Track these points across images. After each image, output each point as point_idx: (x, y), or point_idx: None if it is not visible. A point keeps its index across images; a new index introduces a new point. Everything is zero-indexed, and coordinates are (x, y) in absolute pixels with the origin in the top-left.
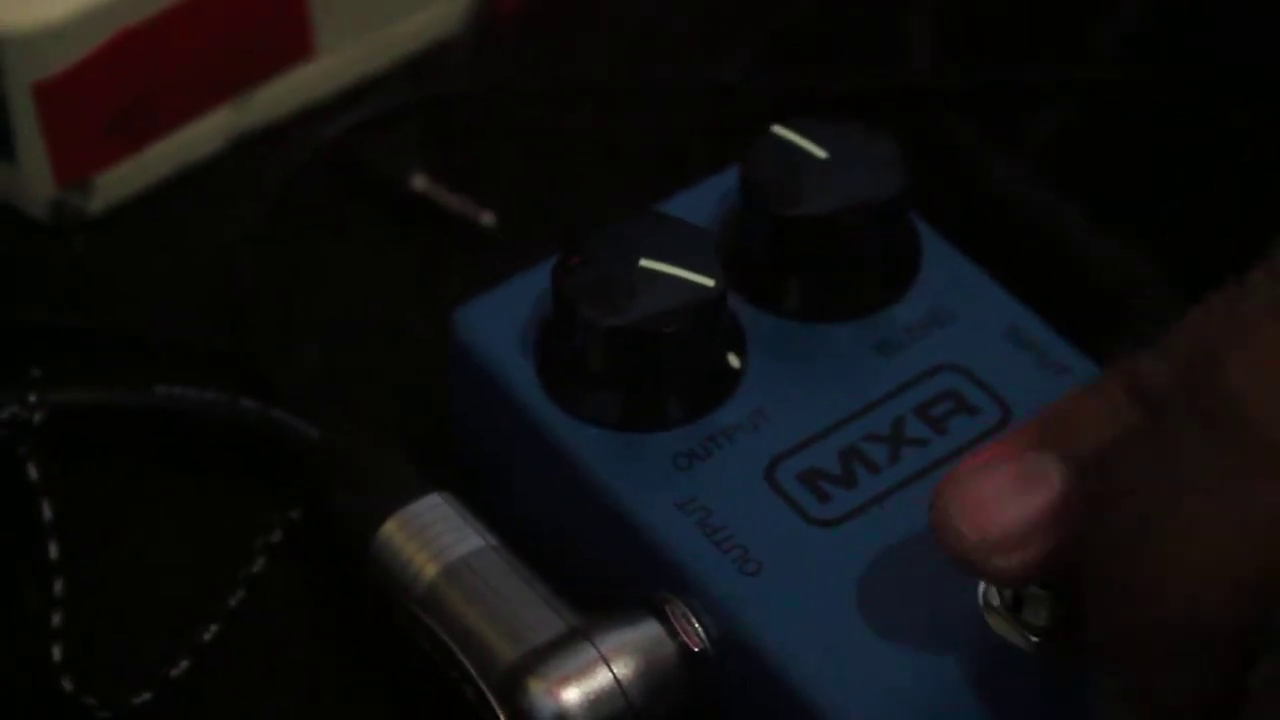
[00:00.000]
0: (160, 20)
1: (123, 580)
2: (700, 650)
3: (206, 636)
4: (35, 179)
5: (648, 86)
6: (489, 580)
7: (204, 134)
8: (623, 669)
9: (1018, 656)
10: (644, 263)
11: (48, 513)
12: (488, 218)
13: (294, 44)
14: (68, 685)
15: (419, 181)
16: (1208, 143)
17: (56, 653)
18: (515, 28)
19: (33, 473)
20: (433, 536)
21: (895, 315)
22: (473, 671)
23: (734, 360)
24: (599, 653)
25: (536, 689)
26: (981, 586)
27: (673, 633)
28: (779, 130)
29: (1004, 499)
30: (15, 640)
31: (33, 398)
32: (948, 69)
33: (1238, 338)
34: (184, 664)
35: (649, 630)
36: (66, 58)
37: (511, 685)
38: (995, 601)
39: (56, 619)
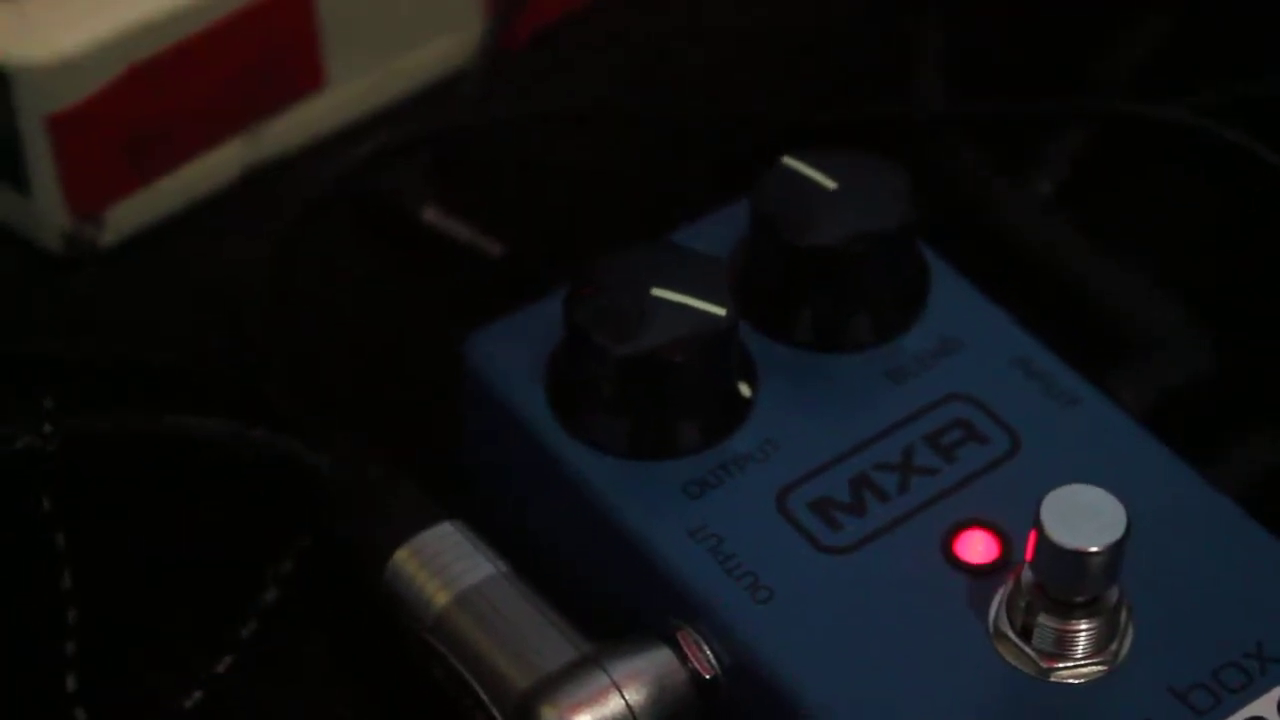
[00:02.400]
0: (173, 53)
1: (135, 611)
2: (711, 677)
3: (220, 668)
4: (48, 211)
5: (658, 118)
6: (501, 608)
7: (216, 166)
8: (635, 696)
9: (1028, 684)
10: (655, 292)
11: (61, 543)
12: (496, 248)
13: (305, 76)
14: (81, 716)
15: (429, 213)
16: (1219, 172)
17: (70, 683)
18: (526, 59)
19: (46, 503)
20: (444, 565)
21: (904, 345)
22: (485, 699)
23: (745, 389)
24: (611, 680)
25: (549, 716)
26: (991, 613)
27: (684, 660)
28: (789, 161)
29: None
30: (29, 671)
31: (46, 428)
32: (956, 99)
33: None
34: (197, 695)
35: (660, 657)
36: (80, 90)
37: (524, 712)
38: (1006, 629)
39: (70, 649)
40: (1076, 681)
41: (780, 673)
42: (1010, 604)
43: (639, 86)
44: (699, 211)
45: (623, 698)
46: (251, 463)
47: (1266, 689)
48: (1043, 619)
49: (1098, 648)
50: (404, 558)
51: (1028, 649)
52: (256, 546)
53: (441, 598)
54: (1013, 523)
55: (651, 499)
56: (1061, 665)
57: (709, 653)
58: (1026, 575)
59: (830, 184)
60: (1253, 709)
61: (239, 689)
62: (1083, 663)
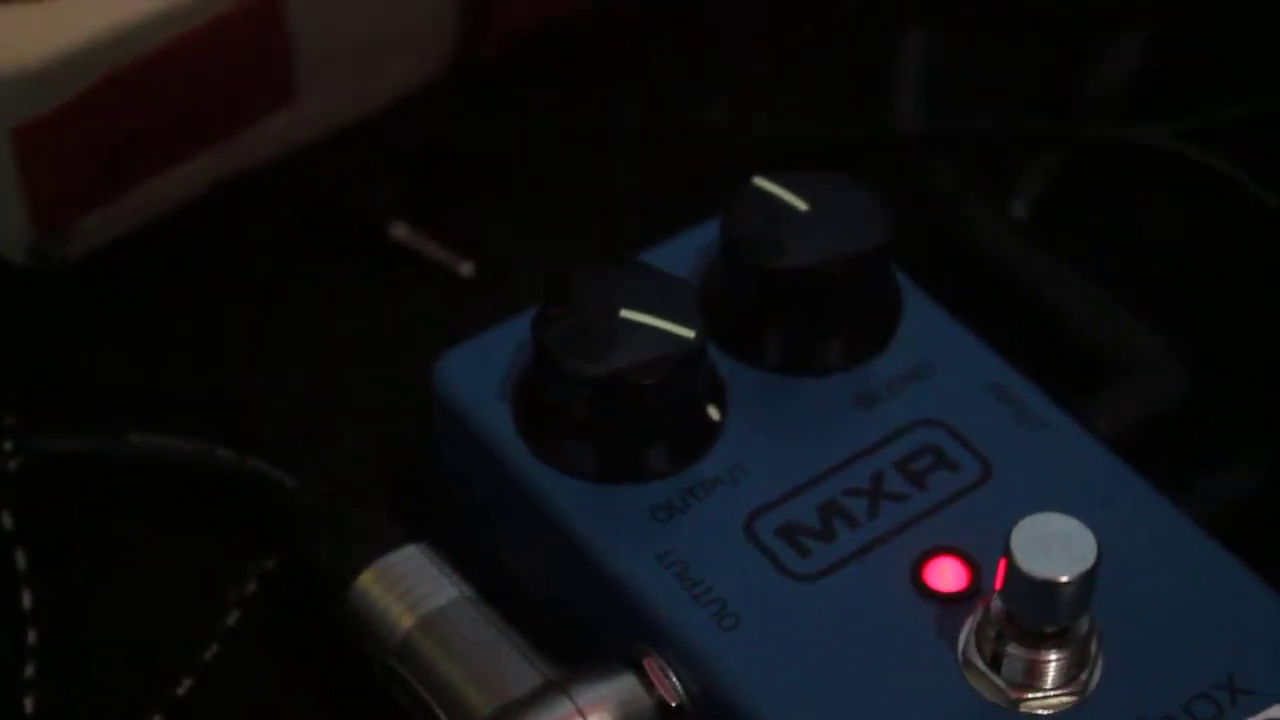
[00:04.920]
0: (142, 65)
1: (96, 632)
2: (678, 704)
3: (180, 690)
4: (13, 223)
5: (629, 135)
6: (465, 633)
7: (185, 179)
8: None
9: (997, 714)
10: (624, 313)
11: (21, 562)
12: (467, 267)
13: (276, 90)
14: None
15: (399, 230)
16: (1196, 196)
17: (28, 705)
18: (497, 76)
19: (7, 521)
20: (409, 588)
21: (876, 369)
22: None
23: (714, 412)
24: (575, 706)
25: None
26: (961, 642)
27: (650, 687)
28: (760, 182)
29: None
30: None
31: (8, 445)
32: (933, 121)
33: None
34: (158, 718)
35: (626, 684)
36: (47, 102)
37: None
38: (975, 659)
39: (29, 671)
40: (1046, 712)
41: (747, 701)
42: (980, 633)
43: (613, 104)
44: (670, 230)
45: None
46: (216, 483)
47: None
48: (1012, 648)
49: (1068, 678)
50: (369, 580)
51: (997, 679)
52: (220, 568)
53: (406, 621)
54: (983, 551)
55: (618, 523)
56: (1031, 695)
57: (675, 680)
58: (996, 604)
59: (802, 205)
60: None
61: (200, 712)
62: (1052, 693)
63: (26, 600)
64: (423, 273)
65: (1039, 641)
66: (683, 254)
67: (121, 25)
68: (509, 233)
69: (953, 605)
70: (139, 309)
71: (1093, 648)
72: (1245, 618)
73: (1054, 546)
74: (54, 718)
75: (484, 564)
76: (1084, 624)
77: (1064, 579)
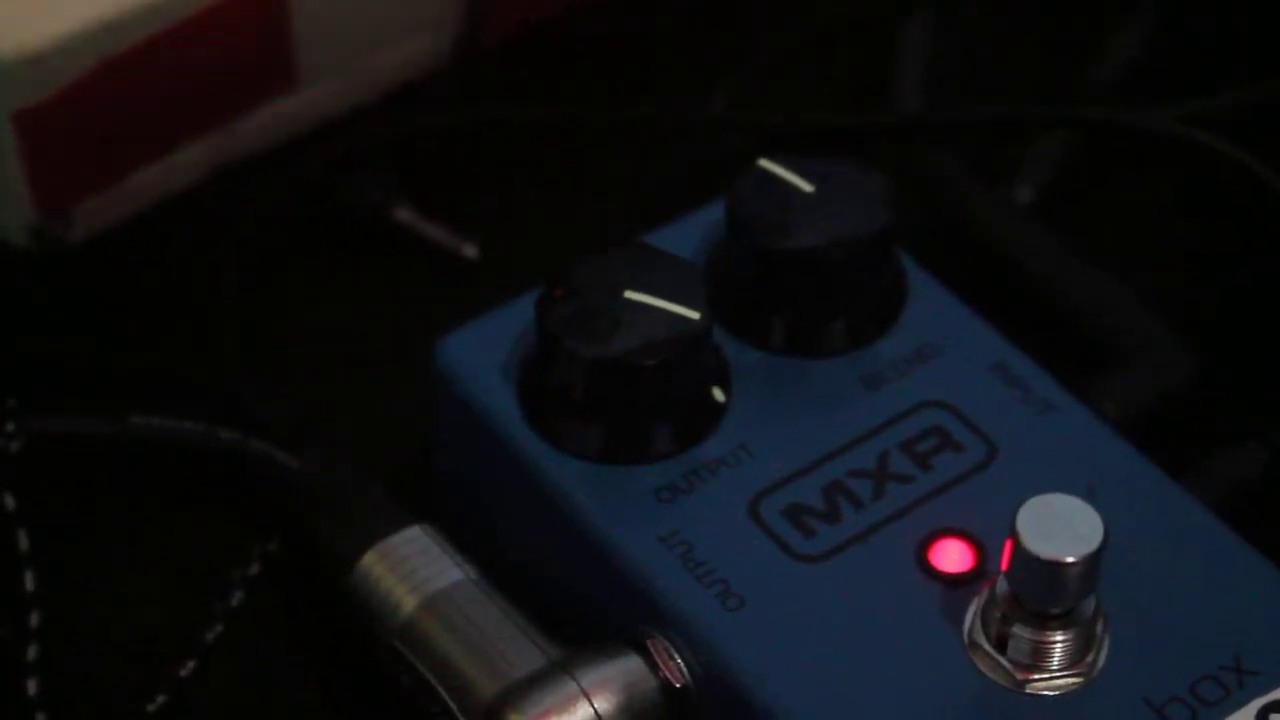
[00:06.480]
0: (143, 49)
1: (99, 613)
2: (682, 686)
3: (184, 671)
4: (14, 207)
5: (633, 119)
6: (469, 613)
7: (186, 164)
8: (603, 704)
9: (1003, 696)
10: (629, 295)
11: (24, 543)
12: (470, 249)
13: (277, 75)
14: None
15: (402, 213)
16: (1202, 179)
17: (31, 687)
18: (501, 59)
19: (9, 503)
20: (412, 569)
21: (881, 351)
22: (452, 706)
23: (718, 394)
24: (579, 687)
25: None
26: (966, 623)
27: (654, 668)
28: (766, 164)
29: None
30: None
31: (10, 427)
32: (937, 105)
33: None
34: (161, 699)
35: (630, 665)
36: (48, 86)
37: None
38: (980, 640)
39: (32, 652)
40: (1052, 694)
41: (751, 682)
42: (985, 614)
43: (617, 88)
44: (675, 214)
45: (591, 706)
46: (220, 464)
47: (1244, 703)
48: (1018, 630)
49: (1073, 659)
50: (372, 561)
51: (1003, 660)
52: (223, 549)
53: (409, 602)
54: (988, 532)
55: (622, 504)
56: (1037, 677)
57: (679, 661)
58: (1002, 585)
59: (807, 188)
60: None
61: (203, 693)
62: (1058, 674)
63: (29, 582)
64: (423, 258)
65: (1045, 623)
66: (688, 236)
67: (123, 10)
68: (510, 218)
69: (958, 586)
70: (140, 295)
71: (1098, 629)
72: (1252, 599)
73: (1060, 527)
74: (57, 699)
75: (487, 546)
76: (1090, 605)
77: (1070, 560)
